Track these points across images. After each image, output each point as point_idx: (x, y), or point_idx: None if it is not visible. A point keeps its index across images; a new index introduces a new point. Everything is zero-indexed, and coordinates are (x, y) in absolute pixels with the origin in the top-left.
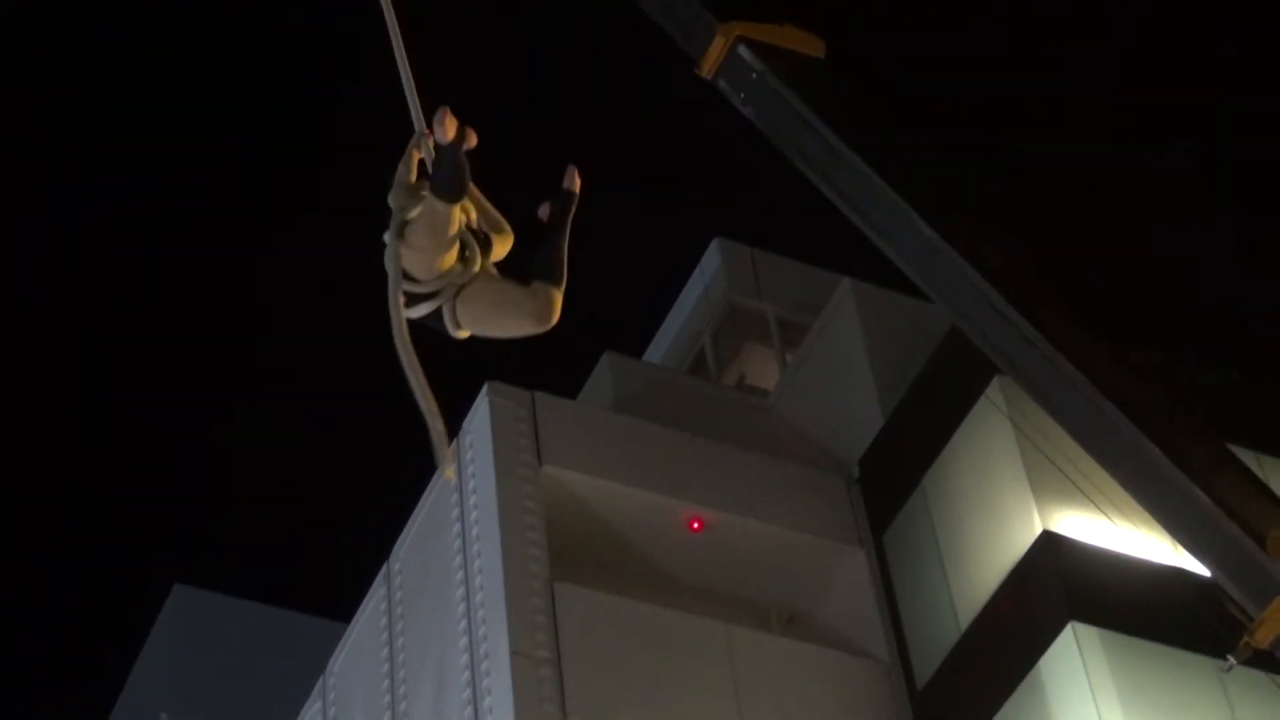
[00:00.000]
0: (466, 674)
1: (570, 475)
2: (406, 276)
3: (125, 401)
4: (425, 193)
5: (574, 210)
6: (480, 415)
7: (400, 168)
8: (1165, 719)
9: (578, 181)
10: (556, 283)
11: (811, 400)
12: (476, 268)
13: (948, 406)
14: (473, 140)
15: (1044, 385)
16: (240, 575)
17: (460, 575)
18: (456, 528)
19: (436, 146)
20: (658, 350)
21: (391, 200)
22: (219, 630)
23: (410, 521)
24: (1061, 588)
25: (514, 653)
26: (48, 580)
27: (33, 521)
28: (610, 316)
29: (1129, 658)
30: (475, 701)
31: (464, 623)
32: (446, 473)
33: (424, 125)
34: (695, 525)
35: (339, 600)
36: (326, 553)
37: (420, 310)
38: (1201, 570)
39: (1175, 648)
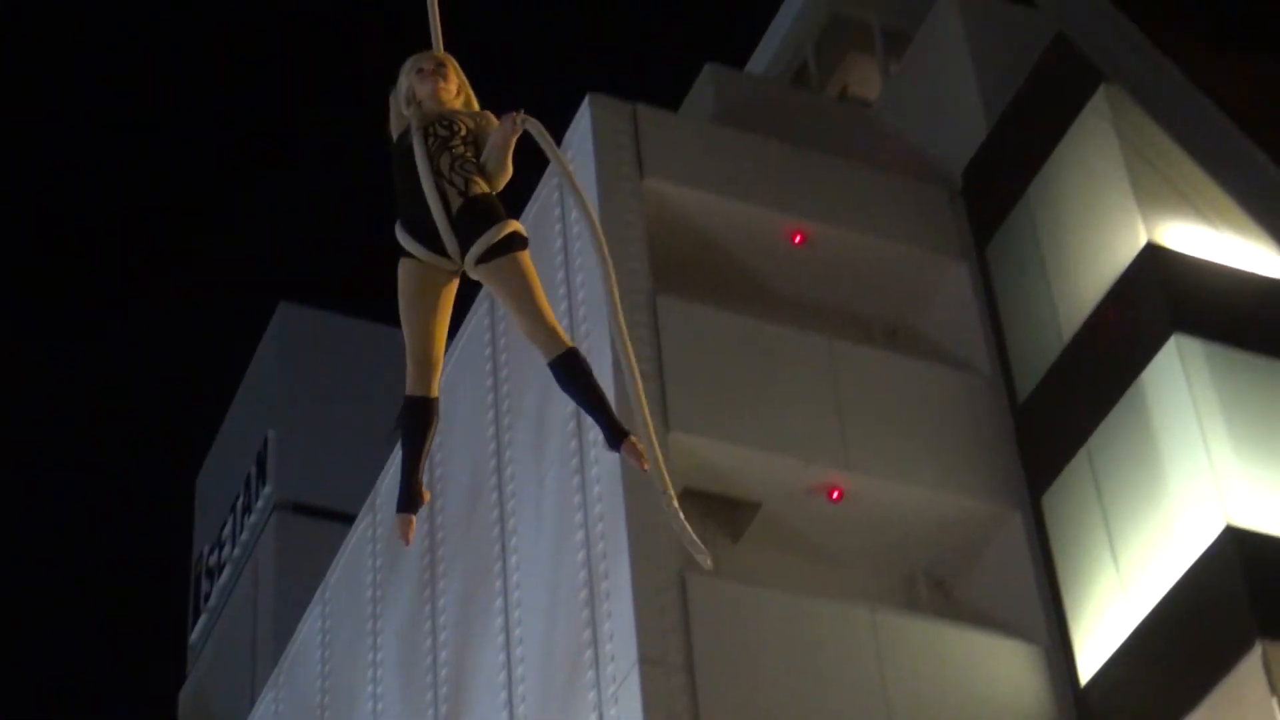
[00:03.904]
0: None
1: (672, 188)
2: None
3: (230, 126)
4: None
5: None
6: (582, 128)
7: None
8: (1269, 432)
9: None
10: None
11: (914, 110)
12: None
13: (1053, 115)
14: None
15: (1149, 90)
16: (344, 291)
17: (563, 290)
18: (559, 242)
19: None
20: (760, 61)
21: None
22: (323, 347)
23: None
24: (1165, 299)
25: (616, 367)
26: (152, 300)
27: (135, 241)
28: (712, 27)
29: (1233, 370)
30: (578, 414)
31: (567, 336)
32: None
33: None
34: (797, 238)
35: None
36: None
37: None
38: None
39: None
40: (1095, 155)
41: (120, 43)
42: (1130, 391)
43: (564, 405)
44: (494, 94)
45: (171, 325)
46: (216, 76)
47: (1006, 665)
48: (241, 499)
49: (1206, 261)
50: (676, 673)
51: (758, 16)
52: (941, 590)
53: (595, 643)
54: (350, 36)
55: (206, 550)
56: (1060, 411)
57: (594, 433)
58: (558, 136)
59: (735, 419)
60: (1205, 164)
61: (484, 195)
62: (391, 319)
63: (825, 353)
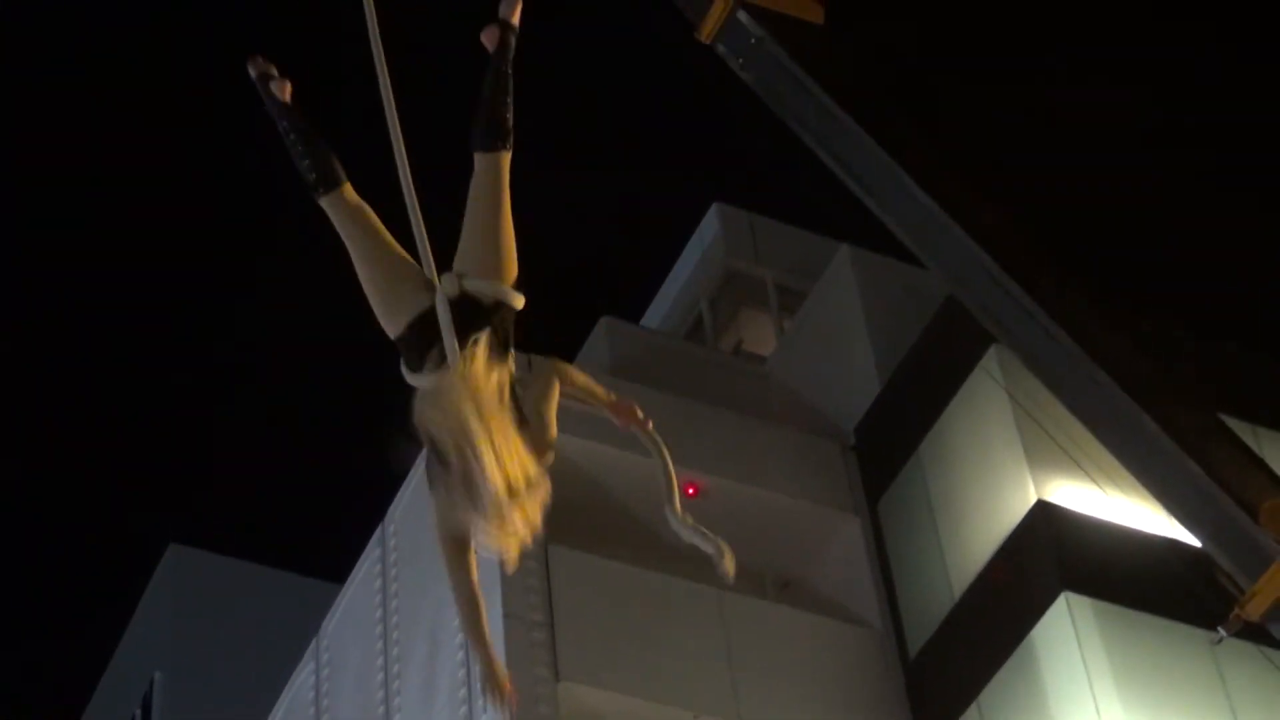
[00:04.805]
0: (459, 637)
1: (565, 439)
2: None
3: (116, 357)
4: None
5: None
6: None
7: None
8: (1157, 690)
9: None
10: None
11: (808, 367)
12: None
13: (944, 375)
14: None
15: (1039, 354)
16: (235, 535)
17: (380, 661)
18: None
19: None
20: (655, 315)
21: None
22: (213, 590)
23: (406, 483)
24: (1055, 558)
25: (507, 615)
26: (41, 540)
27: (26, 482)
28: (608, 281)
29: (1122, 629)
30: (468, 665)
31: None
32: None
33: None
34: (690, 491)
35: (333, 561)
36: (321, 513)
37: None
38: (1194, 542)
39: (1168, 619)
40: (986, 414)
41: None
42: (1020, 648)
43: (453, 654)
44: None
45: (60, 562)
46: (106, 307)
47: None
48: None
49: (1096, 520)
50: None
51: (654, 271)
52: None
53: None
54: (247, 288)
55: None
56: (951, 667)
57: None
58: None
59: (625, 669)
60: (1092, 426)
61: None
62: (281, 563)
63: (716, 604)
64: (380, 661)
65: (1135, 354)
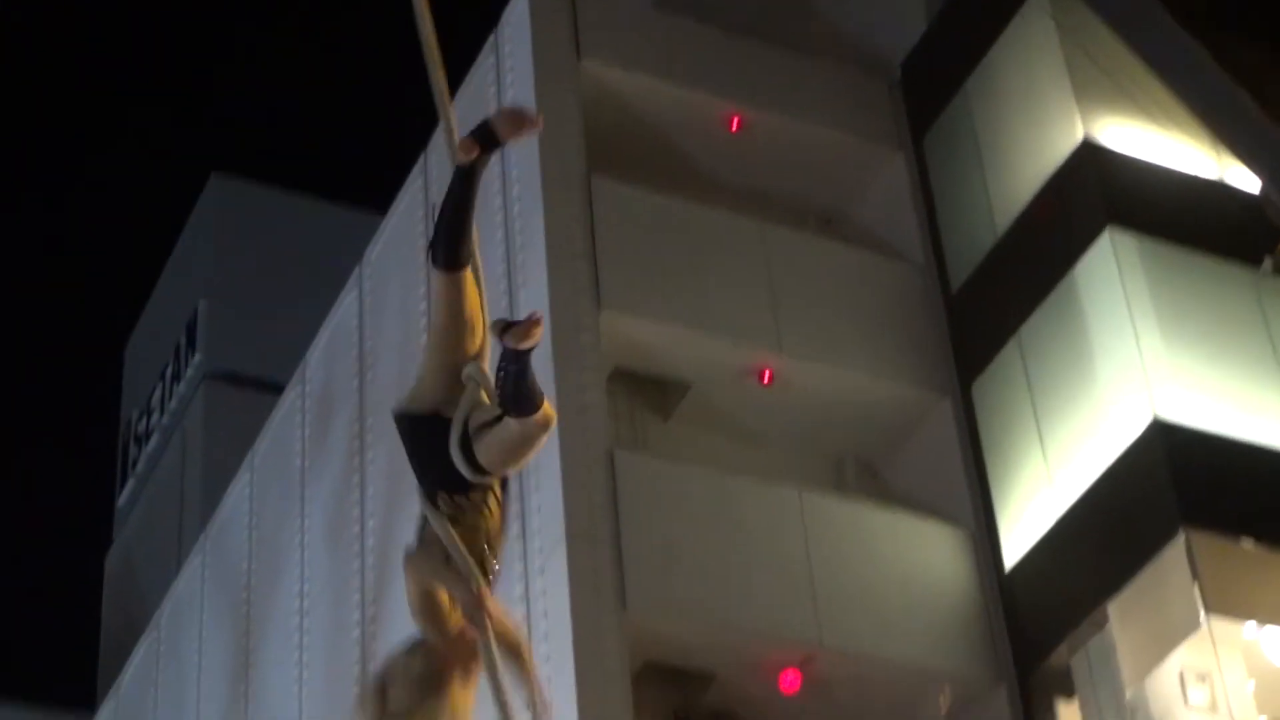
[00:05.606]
0: (502, 266)
1: (609, 71)
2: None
3: None
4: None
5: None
6: (519, 8)
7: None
8: (1199, 326)
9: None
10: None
11: (854, 1)
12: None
13: (993, 9)
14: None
15: None
16: (278, 164)
17: (497, 169)
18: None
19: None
20: None
21: None
22: (256, 219)
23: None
24: (1100, 194)
25: (549, 245)
26: (83, 170)
27: (66, 109)
28: None
29: (1165, 265)
30: (510, 293)
31: (500, 215)
32: None
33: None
34: (733, 123)
35: (376, 191)
36: (364, 142)
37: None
38: (1242, 184)
39: (1212, 256)
40: (1035, 50)
41: None
42: (1063, 283)
43: (498, 282)
44: None
45: (102, 192)
46: None
47: (932, 548)
48: (171, 367)
49: (1143, 161)
50: (603, 547)
51: None
52: (870, 474)
53: (523, 516)
54: None
55: (135, 416)
56: (992, 301)
57: (528, 311)
58: (494, 16)
59: (667, 299)
60: (1146, 61)
61: None
62: (323, 193)
63: (758, 238)
64: (422, 290)
65: None
